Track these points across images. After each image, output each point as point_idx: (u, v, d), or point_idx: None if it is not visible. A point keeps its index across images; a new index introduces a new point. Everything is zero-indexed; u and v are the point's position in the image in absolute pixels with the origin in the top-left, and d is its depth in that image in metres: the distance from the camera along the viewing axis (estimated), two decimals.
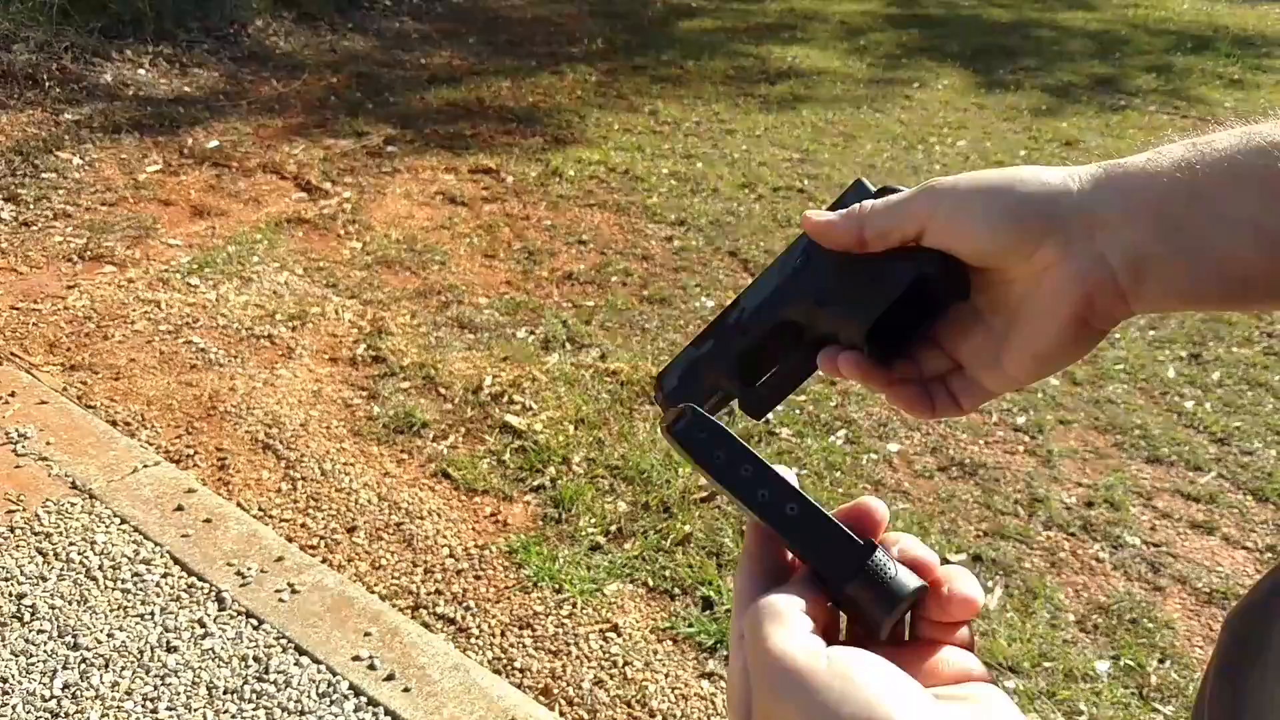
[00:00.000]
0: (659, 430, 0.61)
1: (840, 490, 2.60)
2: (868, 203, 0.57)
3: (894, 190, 0.59)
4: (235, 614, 2.09)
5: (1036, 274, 0.53)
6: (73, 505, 2.36)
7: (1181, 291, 0.51)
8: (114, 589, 2.14)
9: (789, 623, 0.43)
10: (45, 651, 1.98)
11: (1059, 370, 0.59)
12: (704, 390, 0.66)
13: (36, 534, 2.27)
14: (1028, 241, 0.52)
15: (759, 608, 0.44)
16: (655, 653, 2.10)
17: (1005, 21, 8.61)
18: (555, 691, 2.00)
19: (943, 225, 0.54)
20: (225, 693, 1.91)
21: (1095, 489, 2.67)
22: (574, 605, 2.20)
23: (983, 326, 0.59)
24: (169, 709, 1.87)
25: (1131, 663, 2.13)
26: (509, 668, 2.05)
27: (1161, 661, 2.15)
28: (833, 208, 0.61)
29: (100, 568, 2.19)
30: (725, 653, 2.10)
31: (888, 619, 0.46)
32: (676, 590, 2.26)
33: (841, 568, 0.47)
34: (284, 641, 2.03)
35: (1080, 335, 0.54)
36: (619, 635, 2.13)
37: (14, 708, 1.85)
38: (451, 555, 2.33)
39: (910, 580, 0.46)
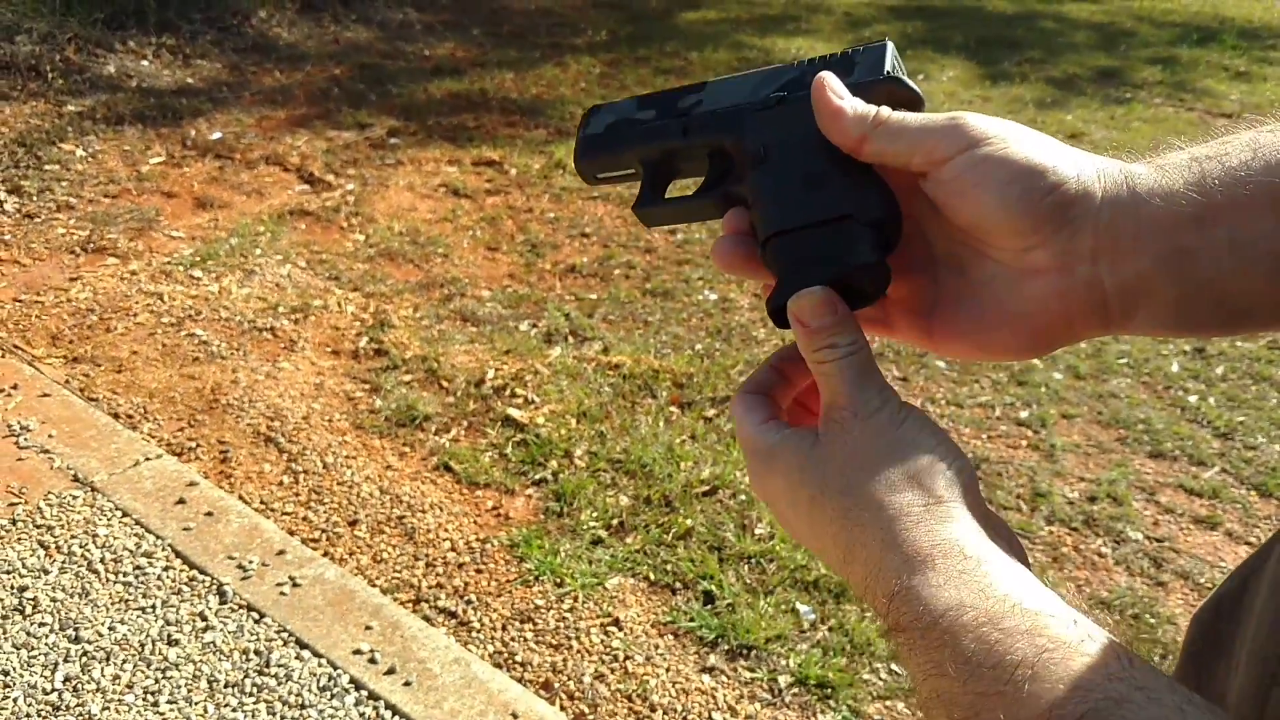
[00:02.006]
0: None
1: None
2: (886, 113, 0.51)
3: (914, 94, 0.53)
4: (236, 607, 2.09)
5: (1023, 270, 0.49)
6: (75, 498, 2.36)
7: (1173, 320, 0.48)
8: (115, 582, 2.14)
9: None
10: (47, 644, 1.98)
11: (983, 363, 0.57)
12: (619, 158, 0.61)
13: (38, 527, 2.27)
14: (1032, 235, 0.47)
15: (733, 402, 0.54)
16: (656, 647, 2.10)
17: (1009, 13, 8.58)
18: (556, 685, 2.00)
19: (952, 178, 0.49)
20: (226, 686, 1.91)
21: (1098, 483, 2.66)
22: (575, 599, 2.20)
23: (930, 278, 0.54)
24: (170, 702, 1.87)
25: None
26: (510, 661, 2.05)
27: (1164, 657, 2.14)
28: (843, 61, 0.55)
29: (102, 561, 2.19)
30: (727, 647, 2.10)
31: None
32: (678, 584, 2.26)
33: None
34: (285, 635, 2.03)
35: (1038, 344, 0.51)
36: (620, 629, 2.13)
37: (15, 701, 1.85)
38: (453, 549, 2.33)
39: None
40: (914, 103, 0.54)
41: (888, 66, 0.53)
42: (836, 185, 0.51)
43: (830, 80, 0.52)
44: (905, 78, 0.54)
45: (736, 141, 0.56)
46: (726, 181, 0.57)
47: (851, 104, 0.51)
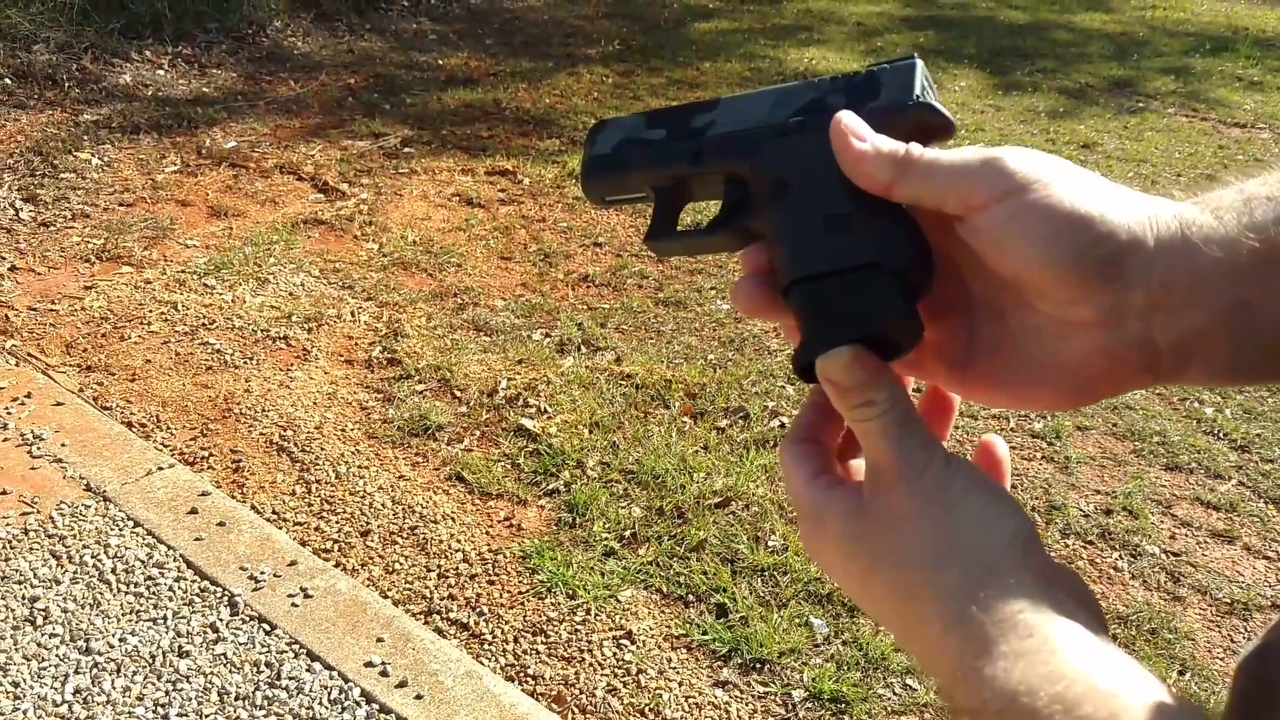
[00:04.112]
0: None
1: None
2: (916, 152, 0.46)
3: (945, 120, 0.49)
4: (248, 619, 2.08)
5: (1068, 323, 0.45)
6: (87, 508, 2.36)
7: (1228, 371, 0.44)
8: (127, 593, 2.14)
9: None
10: (57, 655, 1.98)
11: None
12: (628, 181, 0.57)
13: (50, 536, 2.27)
14: (1080, 289, 0.43)
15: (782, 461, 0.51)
16: (669, 660, 2.08)
17: (1022, 23, 8.56)
18: (568, 699, 1.99)
19: (990, 227, 0.44)
20: (237, 699, 1.91)
21: (1114, 496, 2.64)
22: (587, 611, 2.19)
23: (967, 321, 0.50)
24: (180, 715, 1.87)
25: (1151, 674, 2.10)
26: (522, 675, 2.04)
27: (1181, 673, 2.12)
28: (868, 82, 0.50)
29: (113, 571, 2.19)
30: (740, 661, 2.09)
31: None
32: (690, 597, 2.24)
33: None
34: (296, 647, 2.02)
35: (1081, 397, 0.48)
36: (632, 642, 2.12)
37: (25, 713, 1.85)
38: (465, 560, 2.32)
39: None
40: (945, 129, 0.50)
41: (917, 90, 0.48)
42: (861, 228, 0.47)
43: (849, 121, 0.47)
44: (936, 102, 0.49)
45: (753, 170, 0.52)
46: (743, 214, 0.52)
47: (875, 145, 0.47)
